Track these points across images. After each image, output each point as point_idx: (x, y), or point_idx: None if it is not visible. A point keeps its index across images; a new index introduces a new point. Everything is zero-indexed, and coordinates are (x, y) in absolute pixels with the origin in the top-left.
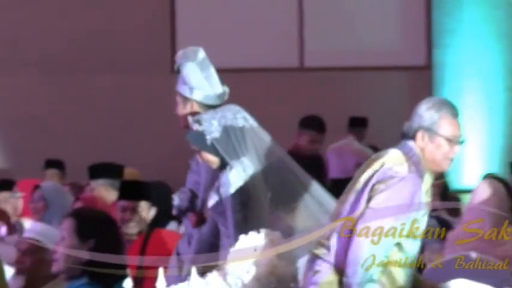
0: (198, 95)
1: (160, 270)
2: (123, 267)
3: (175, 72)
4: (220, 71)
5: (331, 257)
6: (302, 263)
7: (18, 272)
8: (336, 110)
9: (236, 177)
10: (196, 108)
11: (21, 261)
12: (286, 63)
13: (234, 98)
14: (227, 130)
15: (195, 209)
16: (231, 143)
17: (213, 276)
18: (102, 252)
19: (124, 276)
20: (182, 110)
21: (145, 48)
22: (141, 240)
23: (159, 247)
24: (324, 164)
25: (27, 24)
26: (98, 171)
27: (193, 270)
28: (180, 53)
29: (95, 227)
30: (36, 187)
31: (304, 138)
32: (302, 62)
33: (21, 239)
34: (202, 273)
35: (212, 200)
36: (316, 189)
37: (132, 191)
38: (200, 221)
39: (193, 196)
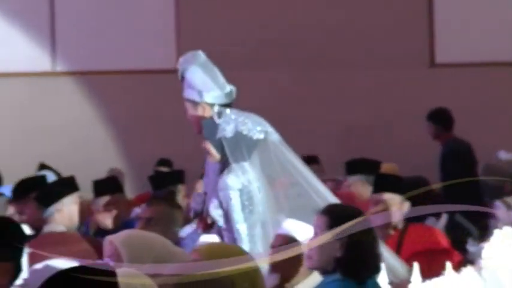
0: (207, 97)
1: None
2: (376, 262)
3: (434, 66)
4: None
5: None
6: None
7: (273, 270)
8: None
9: (235, 180)
10: (208, 110)
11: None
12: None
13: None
14: (240, 136)
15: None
16: (238, 147)
17: (468, 271)
18: (355, 248)
19: (377, 272)
20: (194, 114)
21: (403, 43)
22: (397, 235)
23: (416, 242)
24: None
25: (294, 19)
26: (355, 167)
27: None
28: (180, 60)
29: (346, 223)
30: None
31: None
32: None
33: (276, 236)
34: None
35: (212, 204)
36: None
37: (385, 185)
38: (208, 225)
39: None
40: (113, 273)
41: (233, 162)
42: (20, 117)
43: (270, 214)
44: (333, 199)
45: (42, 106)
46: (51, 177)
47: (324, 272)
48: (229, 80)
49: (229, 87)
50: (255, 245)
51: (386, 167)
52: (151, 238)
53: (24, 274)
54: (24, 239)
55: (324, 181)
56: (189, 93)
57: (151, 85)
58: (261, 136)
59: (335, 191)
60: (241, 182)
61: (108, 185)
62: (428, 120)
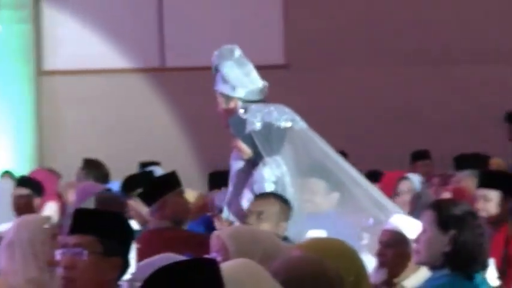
0: (240, 92)
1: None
2: (484, 258)
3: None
4: None
5: None
6: None
7: (381, 265)
8: None
9: (270, 173)
10: (239, 105)
11: (383, 254)
12: None
13: None
14: (268, 127)
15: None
16: (269, 139)
17: None
18: (464, 243)
19: (485, 267)
20: (225, 108)
21: None
22: (505, 231)
23: None
24: None
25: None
26: (464, 161)
27: None
28: (216, 53)
29: (455, 218)
30: (402, 178)
31: None
32: None
33: (383, 231)
34: None
35: (246, 198)
36: (369, 191)
37: (489, 181)
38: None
39: None
40: (217, 269)
41: (266, 156)
42: (135, 111)
43: (300, 210)
44: (371, 188)
45: (151, 101)
46: (158, 172)
47: (432, 267)
48: (334, 74)
49: (261, 83)
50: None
51: (494, 162)
52: (258, 233)
53: (131, 269)
54: (132, 234)
55: (433, 176)
56: (222, 87)
57: None
58: (289, 124)
59: (443, 185)
60: (276, 174)
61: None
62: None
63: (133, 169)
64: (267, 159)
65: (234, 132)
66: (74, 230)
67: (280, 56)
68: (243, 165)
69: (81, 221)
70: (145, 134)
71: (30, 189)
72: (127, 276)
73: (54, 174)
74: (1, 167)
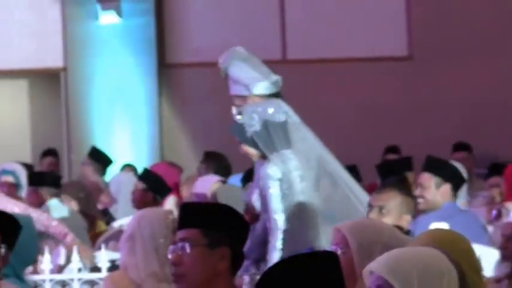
0: (256, 89)
1: None
2: None
3: None
4: None
5: None
6: None
7: (504, 258)
8: None
9: (274, 169)
10: (258, 102)
11: (505, 247)
12: None
13: None
14: (267, 124)
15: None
16: (270, 137)
17: None
18: None
19: None
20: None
21: None
22: None
23: None
24: None
25: None
26: None
27: None
28: (221, 58)
29: None
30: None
31: None
32: None
33: (506, 224)
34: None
35: (254, 195)
36: (356, 190)
37: None
38: (253, 218)
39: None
40: (337, 261)
41: (269, 154)
42: None
43: (317, 205)
44: (356, 188)
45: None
46: None
47: None
48: (459, 66)
49: (274, 77)
50: (293, 236)
51: None
52: (379, 226)
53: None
54: (245, 225)
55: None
56: (236, 89)
57: (380, 73)
58: (283, 118)
59: None
60: (281, 171)
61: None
62: None
63: None
64: (272, 155)
65: (240, 139)
66: (180, 225)
67: (404, 47)
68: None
69: (186, 215)
70: None
71: (151, 183)
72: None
73: (176, 167)
74: (122, 160)
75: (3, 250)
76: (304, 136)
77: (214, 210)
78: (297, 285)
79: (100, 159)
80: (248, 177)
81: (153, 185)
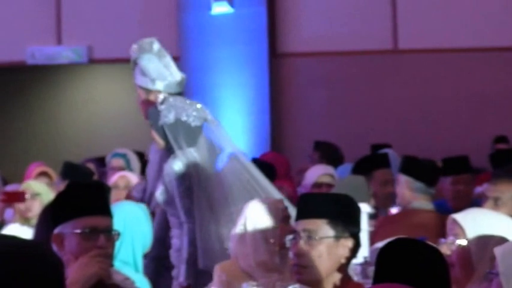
0: (160, 85)
1: None
2: None
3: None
4: None
5: None
6: None
7: None
8: None
9: (179, 165)
10: (160, 97)
11: None
12: None
13: None
14: (180, 124)
15: (144, 202)
16: (180, 135)
17: None
18: None
19: None
20: (145, 101)
21: None
22: None
23: None
24: None
25: None
26: None
27: None
28: (135, 47)
29: None
30: None
31: None
32: None
33: None
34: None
35: (159, 191)
36: (271, 191)
37: None
38: (152, 213)
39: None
40: (440, 254)
41: (177, 149)
42: (368, 93)
43: (220, 204)
44: (271, 188)
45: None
46: (392, 155)
47: None
48: None
49: (180, 76)
50: (205, 229)
51: None
52: (495, 217)
53: (364, 252)
54: (360, 214)
55: None
56: (141, 81)
57: (490, 63)
58: (199, 123)
59: None
60: (187, 167)
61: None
62: None
63: (366, 151)
64: (178, 152)
65: (150, 122)
66: (302, 215)
67: None
68: (162, 155)
69: (309, 206)
70: (376, 117)
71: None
72: (359, 259)
73: (284, 156)
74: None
75: (116, 237)
76: (217, 138)
77: (337, 201)
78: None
79: None
80: (358, 167)
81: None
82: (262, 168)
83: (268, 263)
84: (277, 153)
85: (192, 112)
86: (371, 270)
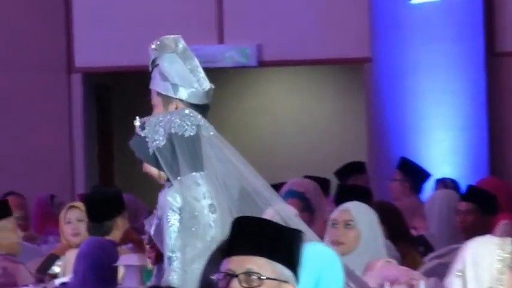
0: (184, 93)
1: None
2: None
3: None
4: None
5: None
6: None
7: None
8: None
9: (175, 196)
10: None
11: None
12: None
13: None
14: (171, 139)
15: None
16: (175, 155)
17: None
18: None
19: None
20: (163, 111)
21: None
22: None
23: None
24: None
25: None
26: None
27: None
28: (155, 44)
29: None
30: None
31: None
32: None
33: None
34: None
35: (153, 226)
36: (283, 208)
37: None
38: (159, 255)
39: None
40: None
41: (173, 178)
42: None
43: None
44: (278, 200)
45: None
46: None
47: None
48: None
49: (208, 84)
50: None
51: None
52: None
53: None
54: None
55: None
56: (160, 86)
57: None
58: (192, 132)
59: None
60: (184, 198)
61: None
62: None
63: None
64: (175, 180)
65: (139, 155)
66: None
67: None
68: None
69: None
70: None
71: (479, 202)
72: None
73: (508, 183)
74: (439, 173)
75: None
76: (222, 154)
77: None
78: None
79: (413, 174)
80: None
81: (482, 206)
82: (481, 200)
83: None
84: (499, 179)
85: (184, 121)
86: None
